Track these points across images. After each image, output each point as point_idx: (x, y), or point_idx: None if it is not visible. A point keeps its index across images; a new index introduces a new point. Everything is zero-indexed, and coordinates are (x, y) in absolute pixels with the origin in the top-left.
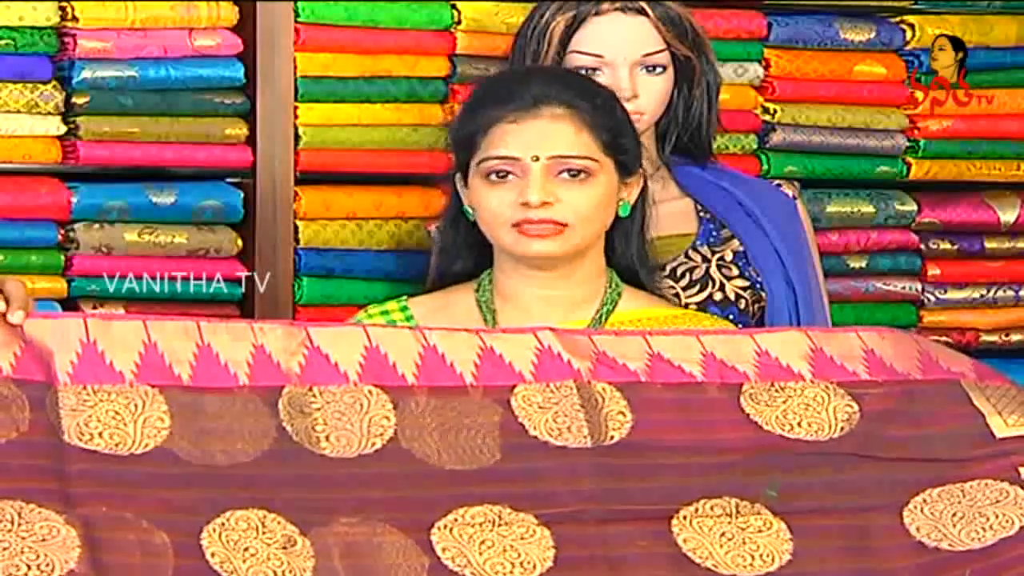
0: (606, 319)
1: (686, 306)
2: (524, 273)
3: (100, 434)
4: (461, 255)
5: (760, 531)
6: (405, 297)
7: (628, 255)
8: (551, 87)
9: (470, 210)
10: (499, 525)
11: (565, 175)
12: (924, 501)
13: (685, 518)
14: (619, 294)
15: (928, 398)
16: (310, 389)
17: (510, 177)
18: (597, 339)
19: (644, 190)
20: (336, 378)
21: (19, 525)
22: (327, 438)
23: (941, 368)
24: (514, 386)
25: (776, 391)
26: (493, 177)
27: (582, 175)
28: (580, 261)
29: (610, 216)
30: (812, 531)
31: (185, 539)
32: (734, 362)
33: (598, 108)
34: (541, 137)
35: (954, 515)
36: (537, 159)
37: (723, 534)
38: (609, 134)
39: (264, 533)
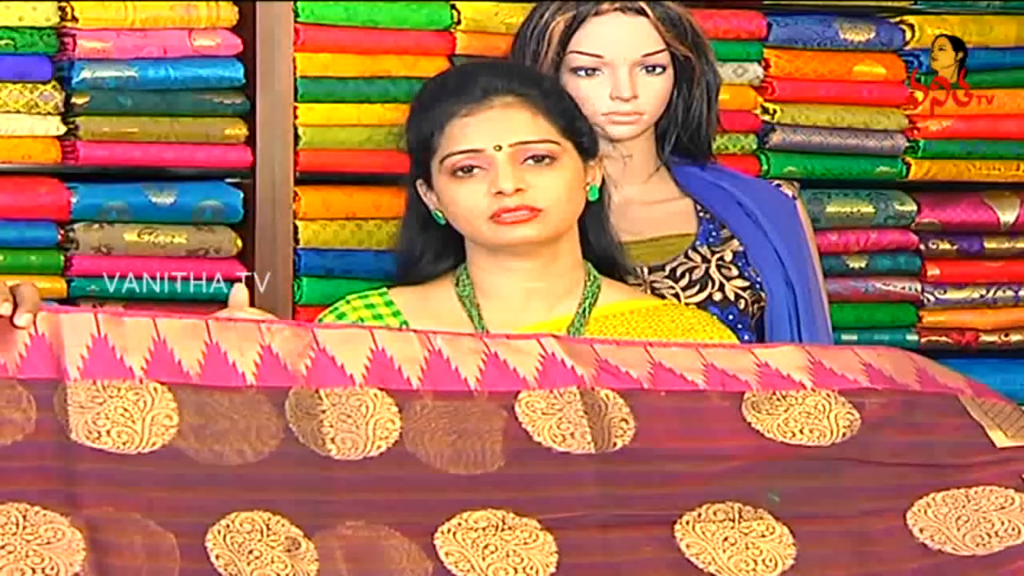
0: (589, 312)
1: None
2: (503, 266)
3: (108, 432)
4: (432, 259)
5: (763, 536)
6: (385, 289)
7: (604, 242)
8: (497, 79)
9: (439, 213)
10: (502, 530)
11: (530, 162)
12: (928, 504)
13: (688, 523)
14: (598, 287)
15: (927, 408)
16: (316, 391)
17: (476, 171)
18: (599, 347)
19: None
20: (342, 380)
21: (24, 528)
22: (333, 440)
23: (938, 383)
24: (518, 392)
25: (778, 400)
26: (459, 173)
27: (547, 160)
28: (558, 249)
29: (582, 199)
30: (815, 535)
31: (191, 541)
32: (735, 372)
33: (548, 94)
34: (498, 126)
35: (958, 519)
36: (500, 148)
37: (726, 539)
38: (564, 118)
39: (268, 536)
